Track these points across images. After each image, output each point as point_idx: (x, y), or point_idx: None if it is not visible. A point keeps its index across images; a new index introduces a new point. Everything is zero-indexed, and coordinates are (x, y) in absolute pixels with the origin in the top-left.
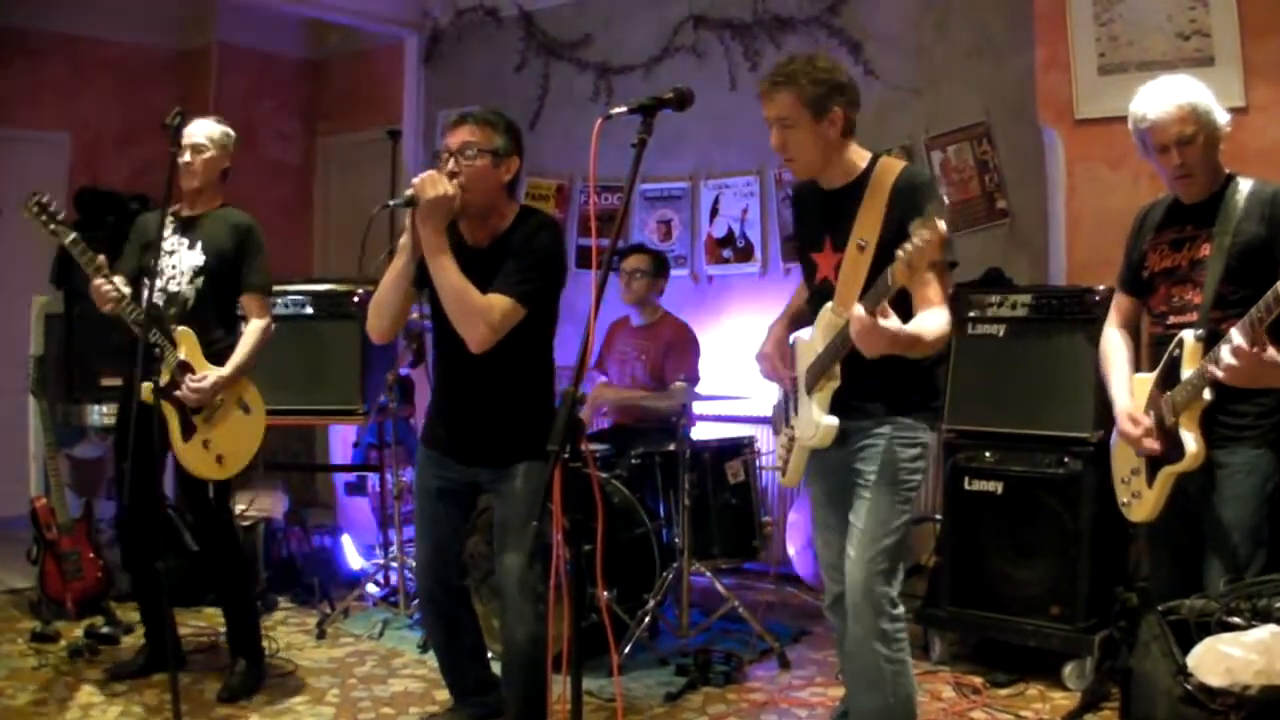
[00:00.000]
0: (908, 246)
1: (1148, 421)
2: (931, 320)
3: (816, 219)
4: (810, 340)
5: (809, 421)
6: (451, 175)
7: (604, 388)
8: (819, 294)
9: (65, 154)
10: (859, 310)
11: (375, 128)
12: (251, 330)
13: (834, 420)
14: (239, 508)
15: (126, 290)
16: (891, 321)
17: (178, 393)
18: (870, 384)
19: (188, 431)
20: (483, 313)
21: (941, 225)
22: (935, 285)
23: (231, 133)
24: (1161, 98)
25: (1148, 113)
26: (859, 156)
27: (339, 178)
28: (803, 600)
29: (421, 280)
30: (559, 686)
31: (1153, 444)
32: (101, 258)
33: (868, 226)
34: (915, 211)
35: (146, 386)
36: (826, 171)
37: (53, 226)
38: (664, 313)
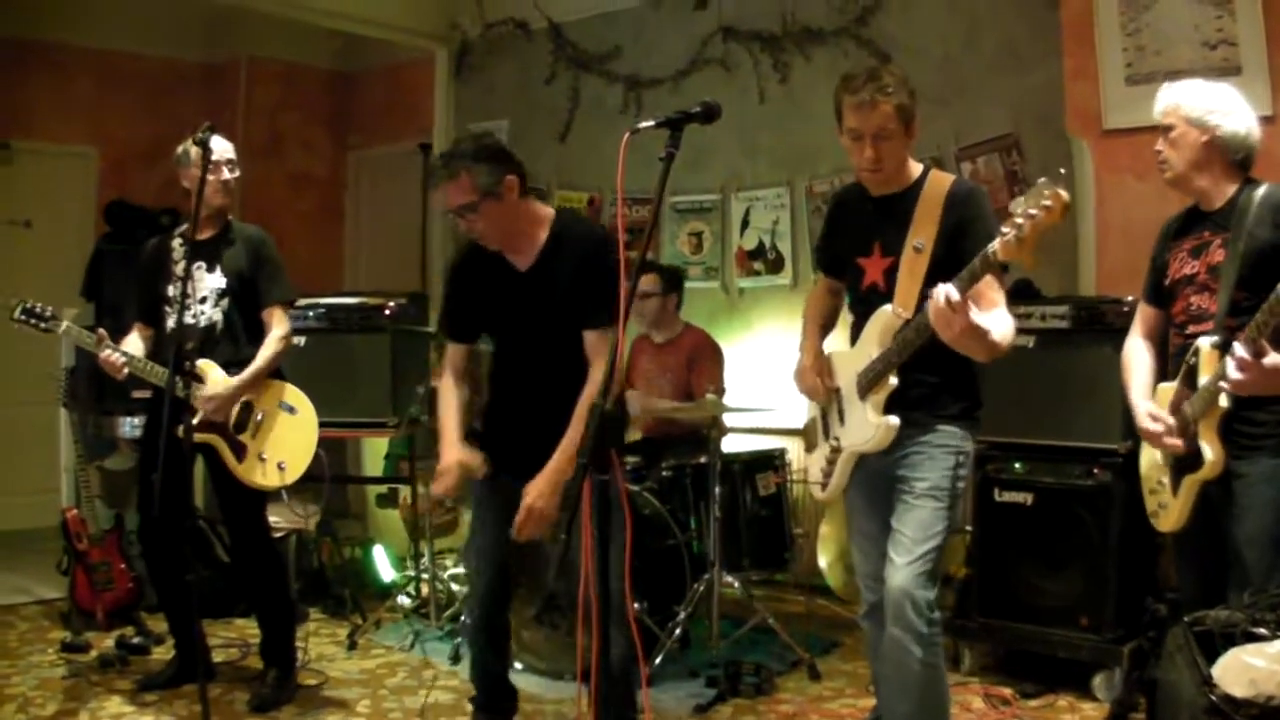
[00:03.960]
0: (1019, 221)
1: (1170, 419)
2: (1005, 324)
3: (866, 224)
4: (858, 346)
5: (864, 425)
6: (472, 228)
7: (632, 393)
8: (865, 299)
9: (94, 168)
10: (951, 290)
11: (406, 141)
12: (270, 340)
13: (895, 420)
14: (271, 519)
15: (132, 350)
16: (981, 318)
17: (198, 407)
18: (918, 391)
19: (240, 453)
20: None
21: (1064, 193)
22: (996, 285)
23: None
24: (1164, 92)
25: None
26: (913, 166)
27: (370, 191)
28: (833, 612)
29: (468, 332)
30: (585, 698)
31: (1174, 442)
32: (100, 331)
33: (924, 230)
34: (970, 217)
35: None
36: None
37: (44, 325)
38: (684, 326)
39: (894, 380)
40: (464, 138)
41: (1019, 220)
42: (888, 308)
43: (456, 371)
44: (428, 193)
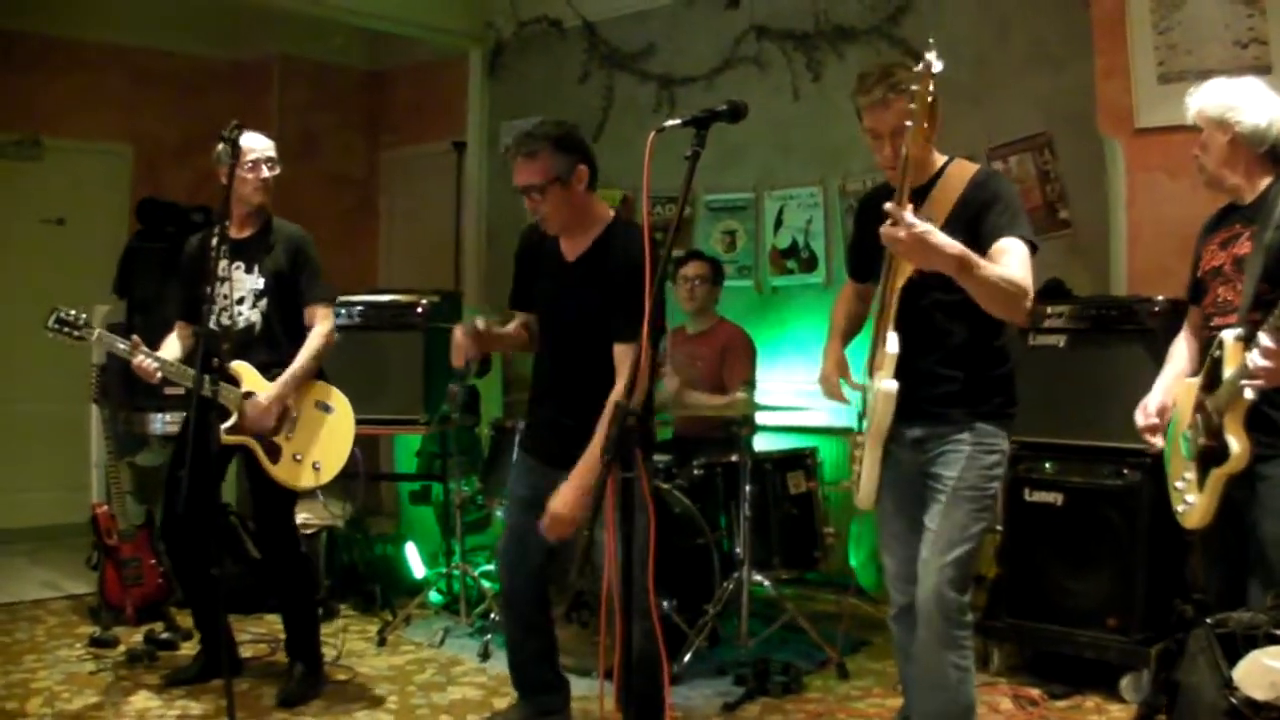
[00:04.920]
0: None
1: (1155, 419)
2: (1003, 268)
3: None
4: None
5: (873, 400)
6: (536, 208)
7: (669, 378)
8: None
9: (127, 165)
10: (888, 205)
11: (440, 139)
12: (311, 338)
13: (893, 384)
14: (301, 516)
15: (168, 353)
16: (924, 224)
17: (230, 408)
18: (950, 387)
19: (274, 453)
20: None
21: (931, 56)
22: (1016, 253)
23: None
24: (1190, 96)
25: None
26: (936, 157)
27: (403, 189)
28: (863, 611)
29: (527, 304)
30: (610, 697)
31: (1155, 441)
32: (135, 337)
33: (935, 210)
34: (989, 201)
35: (222, 432)
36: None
37: (78, 334)
38: (719, 319)
39: (891, 348)
40: (547, 121)
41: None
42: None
43: (524, 324)
44: (461, 190)
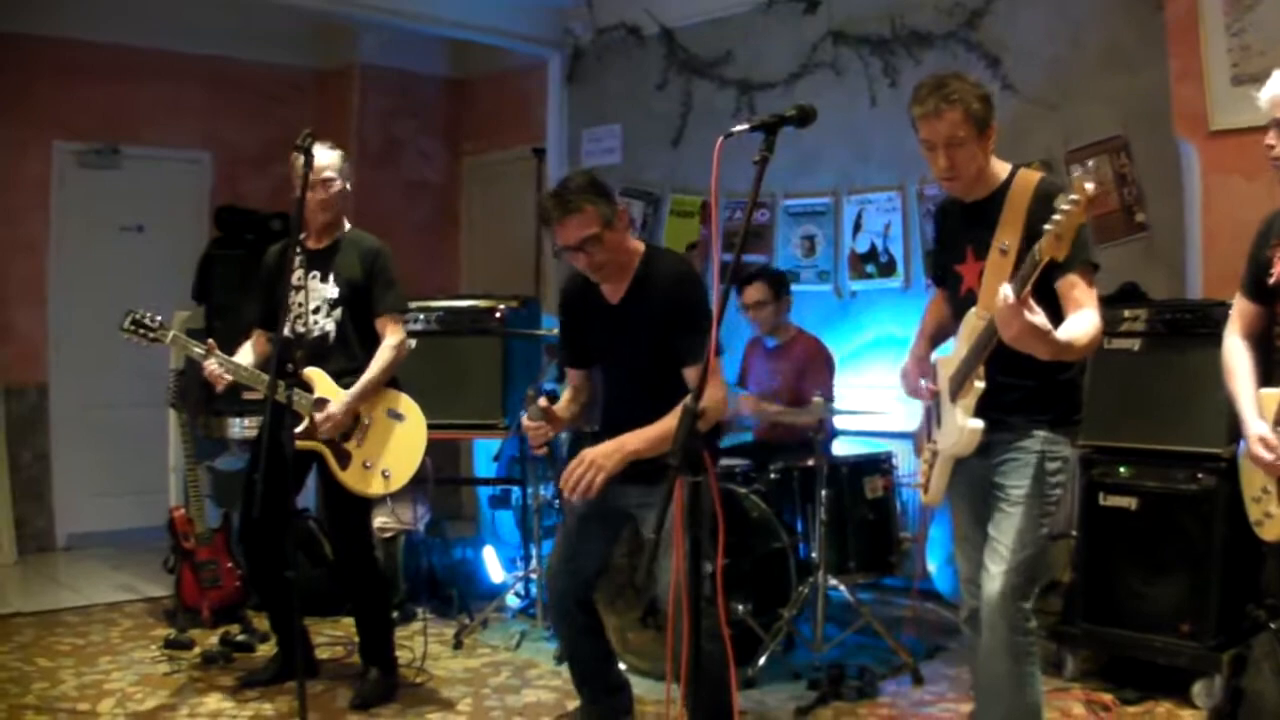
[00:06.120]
0: (1056, 217)
1: None
2: (1081, 324)
3: (959, 232)
4: (954, 351)
5: (953, 429)
6: (591, 261)
7: (744, 398)
8: (964, 305)
9: (208, 173)
10: (1005, 290)
11: (520, 146)
12: (382, 349)
13: (979, 423)
14: (379, 520)
15: (243, 359)
16: (1038, 317)
17: (304, 415)
18: (1013, 395)
19: (344, 460)
20: (716, 406)
21: (1090, 186)
22: (1082, 286)
23: (342, 153)
24: (1275, 82)
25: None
26: (1000, 168)
27: (484, 195)
28: (939, 616)
29: (584, 360)
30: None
31: None
32: (210, 341)
33: (1009, 232)
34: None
35: (295, 437)
36: (975, 185)
37: (152, 335)
38: (796, 331)
39: (979, 384)
40: (571, 175)
41: (1057, 217)
42: (972, 311)
43: (576, 390)
44: (543, 222)
